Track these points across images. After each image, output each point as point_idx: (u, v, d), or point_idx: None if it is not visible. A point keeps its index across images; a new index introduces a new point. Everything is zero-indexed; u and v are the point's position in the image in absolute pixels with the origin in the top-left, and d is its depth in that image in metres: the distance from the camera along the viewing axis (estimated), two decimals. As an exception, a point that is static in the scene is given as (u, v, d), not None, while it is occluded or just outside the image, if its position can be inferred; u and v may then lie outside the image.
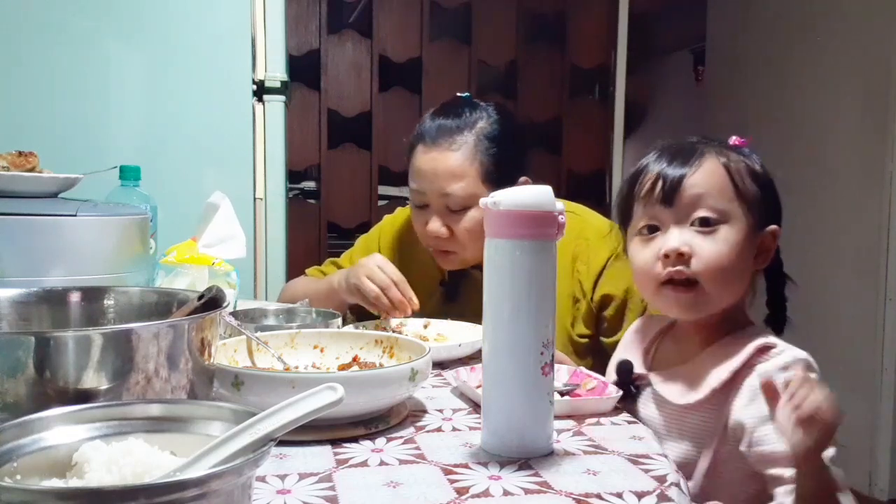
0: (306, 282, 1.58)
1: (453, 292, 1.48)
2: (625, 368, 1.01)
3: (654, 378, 0.99)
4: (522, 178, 1.39)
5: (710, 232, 0.93)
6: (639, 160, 1.03)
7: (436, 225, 1.37)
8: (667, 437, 0.95)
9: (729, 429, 0.90)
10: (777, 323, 1.01)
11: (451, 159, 1.34)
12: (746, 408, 0.89)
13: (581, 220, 1.43)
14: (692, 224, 0.93)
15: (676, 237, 0.93)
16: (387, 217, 1.64)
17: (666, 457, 0.77)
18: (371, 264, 1.28)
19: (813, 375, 0.86)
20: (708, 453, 0.92)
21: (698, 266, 0.92)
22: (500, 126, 1.38)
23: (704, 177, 0.94)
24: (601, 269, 1.37)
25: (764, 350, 0.92)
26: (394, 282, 1.25)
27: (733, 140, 1.00)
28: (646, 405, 0.99)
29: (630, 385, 0.99)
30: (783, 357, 0.90)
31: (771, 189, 0.98)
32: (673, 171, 0.95)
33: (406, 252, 1.54)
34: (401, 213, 1.62)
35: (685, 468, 0.92)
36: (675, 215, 0.94)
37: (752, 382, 0.89)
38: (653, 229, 0.97)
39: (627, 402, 0.98)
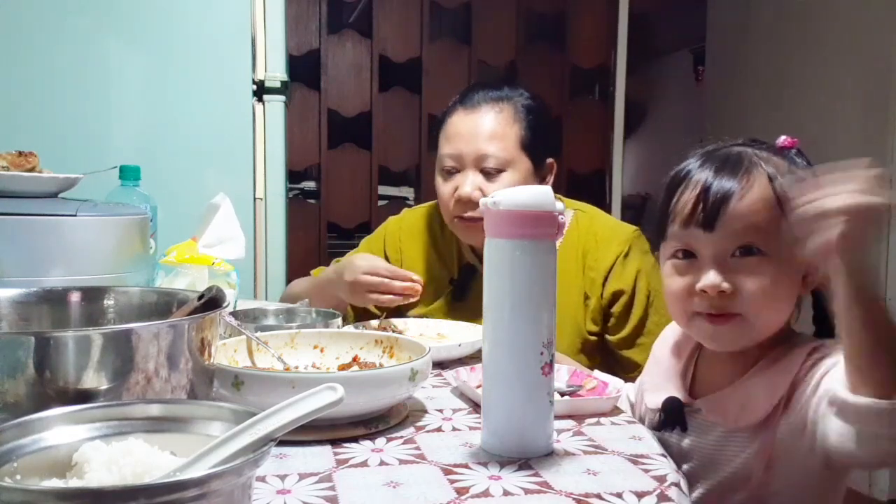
0: (305, 280, 1.58)
1: (462, 291, 1.48)
2: (673, 405, 0.93)
3: (701, 405, 0.92)
4: (550, 160, 1.44)
5: (753, 264, 0.85)
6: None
7: (469, 187, 1.36)
8: (708, 465, 0.90)
9: (781, 439, 0.84)
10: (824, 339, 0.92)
11: (492, 120, 1.38)
12: (808, 403, 0.81)
13: (589, 216, 1.45)
14: (733, 255, 0.85)
15: (713, 274, 0.85)
16: (391, 218, 1.63)
17: (666, 457, 0.77)
18: (363, 264, 1.28)
19: None
20: (758, 473, 0.86)
21: (742, 304, 0.85)
22: (536, 103, 1.44)
23: (751, 201, 0.85)
24: (611, 265, 1.38)
25: (816, 350, 0.85)
26: (391, 276, 1.26)
27: (781, 141, 0.91)
28: (689, 434, 0.93)
29: (681, 422, 0.93)
30: (839, 348, 0.81)
31: None
32: (717, 188, 0.86)
33: (415, 252, 1.55)
34: (407, 214, 1.61)
35: (729, 495, 0.88)
36: (714, 243, 0.86)
37: (813, 374, 0.82)
38: (688, 254, 0.89)
39: (673, 432, 0.93)
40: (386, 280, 1.26)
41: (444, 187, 1.41)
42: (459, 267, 1.51)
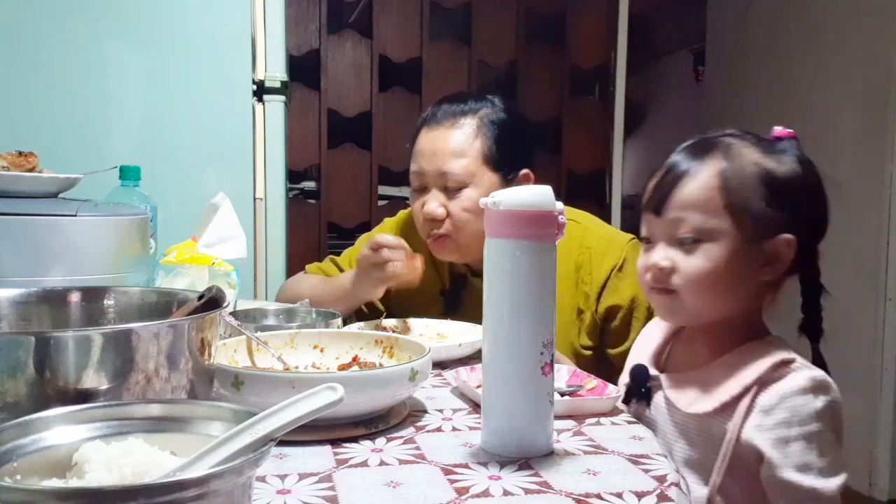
0: (312, 281, 1.56)
1: (454, 302, 1.46)
2: (639, 373, 0.98)
3: (664, 381, 0.96)
4: (524, 172, 1.40)
5: (691, 249, 0.90)
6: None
7: (433, 205, 1.36)
8: (676, 442, 0.92)
9: (742, 446, 0.86)
10: (811, 331, 0.95)
11: (451, 137, 1.36)
12: (760, 430, 0.84)
13: (582, 227, 1.41)
14: (678, 238, 0.91)
15: (660, 252, 0.92)
16: (387, 219, 1.63)
17: (666, 456, 0.77)
18: (369, 245, 1.30)
19: (831, 397, 0.85)
20: (720, 468, 0.87)
21: (678, 281, 0.91)
22: (506, 115, 1.40)
23: (692, 192, 0.90)
24: (605, 280, 1.35)
25: (782, 365, 0.87)
26: (397, 246, 1.28)
27: (776, 132, 0.94)
28: (657, 409, 0.96)
29: (644, 389, 0.96)
30: (800, 378, 0.85)
31: (794, 194, 0.91)
32: (670, 175, 0.92)
33: None
34: (402, 215, 1.60)
35: (699, 471, 0.89)
36: (663, 228, 0.92)
37: (767, 401, 0.85)
38: (648, 239, 0.95)
39: (640, 405, 0.96)
40: (398, 243, 1.27)
41: (415, 204, 1.41)
42: (451, 276, 1.48)
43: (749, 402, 0.86)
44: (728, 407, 0.87)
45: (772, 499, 0.84)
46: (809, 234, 0.93)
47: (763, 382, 0.86)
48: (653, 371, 0.98)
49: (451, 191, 1.35)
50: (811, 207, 0.93)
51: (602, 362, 1.36)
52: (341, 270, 1.56)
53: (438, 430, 0.83)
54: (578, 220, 1.42)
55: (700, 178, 0.90)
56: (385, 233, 1.56)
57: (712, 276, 0.89)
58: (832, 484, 0.82)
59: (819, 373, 0.87)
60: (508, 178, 1.38)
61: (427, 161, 1.37)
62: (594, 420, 0.88)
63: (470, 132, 1.36)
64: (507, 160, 1.37)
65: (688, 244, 0.90)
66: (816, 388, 0.85)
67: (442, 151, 1.35)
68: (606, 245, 1.38)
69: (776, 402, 0.84)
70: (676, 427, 0.93)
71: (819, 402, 0.84)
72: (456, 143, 1.35)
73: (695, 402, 0.91)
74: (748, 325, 0.94)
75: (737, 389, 0.87)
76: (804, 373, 0.86)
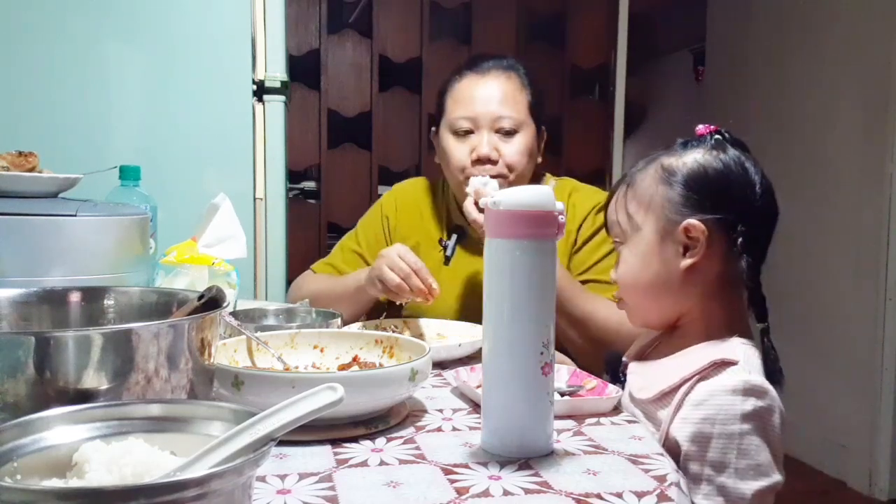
0: (325, 282, 1.58)
1: (451, 251, 1.47)
2: (612, 358, 1.06)
3: (630, 368, 1.02)
4: (542, 127, 1.53)
5: (621, 254, 1.01)
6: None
7: (486, 148, 1.43)
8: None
9: (670, 435, 0.88)
10: (758, 314, 0.96)
11: (506, 85, 1.47)
12: (684, 423, 0.86)
13: (573, 183, 1.59)
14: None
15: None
16: (385, 195, 1.69)
17: (663, 455, 0.77)
18: (392, 254, 1.29)
19: (764, 403, 0.84)
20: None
21: (618, 287, 1.03)
22: (534, 75, 1.55)
23: (611, 205, 1.03)
24: (586, 215, 1.51)
25: (722, 365, 0.88)
26: (414, 270, 1.26)
27: (697, 129, 1.00)
28: (625, 393, 1.01)
29: (617, 374, 1.04)
30: (734, 379, 0.86)
31: (693, 184, 0.95)
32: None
33: (410, 217, 1.61)
34: (397, 187, 1.69)
35: None
36: None
37: (696, 396, 0.87)
38: None
39: (617, 387, 1.02)
40: (408, 271, 1.26)
41: (459, 148, 1.46)
42: (449, 227, 1.56)
43: (683, 395, 0.88)
44: (667, 396, 0.91)
45: (689, 490, 0.84)
46: (728, 219, 0.94)
47: (701, 378, 0.88)
48: (624, 358, 1.05)
49: (504, 134, 1.44)
50: (717, 194, 0.94)
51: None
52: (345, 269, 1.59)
53: (438, 430, 0.83)
54: (568, 179, 1.60)
55: (616, 196, 1.03)
56: (387, 204, 1.64)
57: (637, 275, 0.98)
58: (746, 487, 0.82)
59: (757, 379, 0.86)
60: (539, 130, 1.50)
61: (481, 105, 1.45)
62: (594, 420, 0.88)
63: (518, 84, 1.48)
64: (539, 115, 1.50)
65: (618, 250, 1.01)
66: (748, 391, 0.84)
67: (497, 97, 1.45)
68: (592, 190, 1.58)
69: (704, 399, 0.86)
70: (635, 410, 0.97)
71: (747, 405, 0.84)
72: (510, 91, 1.46)
73: (642, 389, 0.95)
74: (712, 324, 0.96)
75: (675, 381, 0.90)
76: (740, 375, 0.86)
